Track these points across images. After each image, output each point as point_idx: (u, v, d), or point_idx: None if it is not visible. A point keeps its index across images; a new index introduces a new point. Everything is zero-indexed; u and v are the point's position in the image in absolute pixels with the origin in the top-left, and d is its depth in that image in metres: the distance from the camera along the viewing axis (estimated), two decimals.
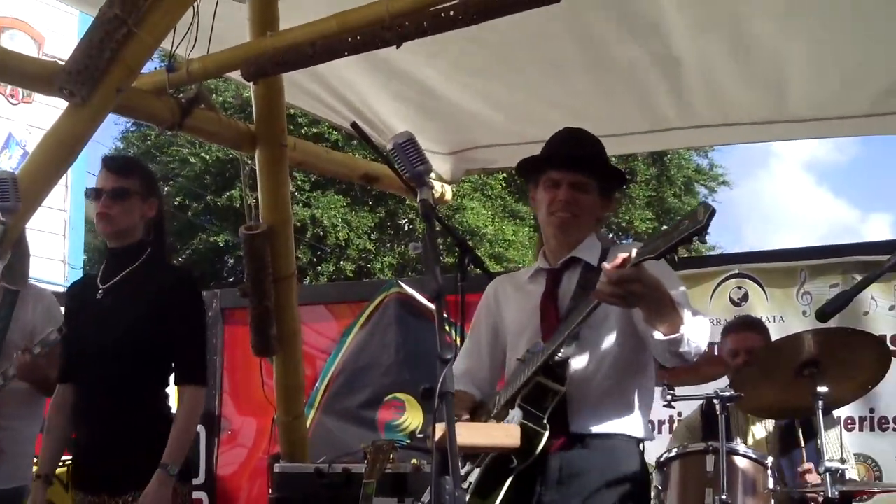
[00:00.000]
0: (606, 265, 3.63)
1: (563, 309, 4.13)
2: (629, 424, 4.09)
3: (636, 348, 4.09)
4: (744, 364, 5.83)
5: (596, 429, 4.02)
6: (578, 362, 4.01)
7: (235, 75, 6.50)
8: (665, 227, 3.56)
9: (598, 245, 4.26)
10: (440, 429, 2.99)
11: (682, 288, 4.00)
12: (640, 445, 4.19)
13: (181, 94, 6.40)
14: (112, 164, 4.82)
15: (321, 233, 23.87)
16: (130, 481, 4.46)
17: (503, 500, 3.82)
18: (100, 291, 4.71)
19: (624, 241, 26.67)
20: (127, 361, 4.55)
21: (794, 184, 60.70)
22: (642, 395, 4.18)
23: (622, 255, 3.62)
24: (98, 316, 4.68)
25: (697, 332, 3.82)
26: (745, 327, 6.28)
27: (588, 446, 3.99)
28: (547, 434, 3.83)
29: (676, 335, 3.75)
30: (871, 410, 6.99)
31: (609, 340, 4.04)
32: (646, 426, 4.21)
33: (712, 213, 3.35)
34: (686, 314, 3.78)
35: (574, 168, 4.15)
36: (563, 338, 3.86)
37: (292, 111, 9.19)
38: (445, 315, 3.20)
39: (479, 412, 4.21)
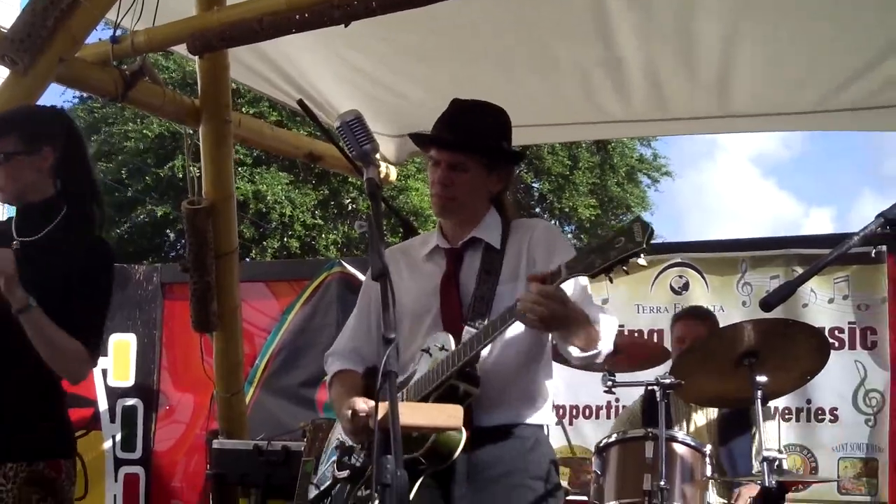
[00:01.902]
0: (533, 282, 3.51)
1: (464, 293, 3.96)
2: (534, 412, 3.97)
3: (537, 334, 3.91)
4: (683, 352, 5.86)
5: (502, 420, 3.90)
6: (486, 357, 3.84)
7: (181, 49, 6.43)
8: (595, 240, 3.47)
9: (499, 222, 4.08)
10: (382, 408, 2.96)
11: (585, 282, 3.78)
12: (546, 431, 4.08)
13: (125, 67, 6.32)
14: None
15: (264, 209, 23.76)
16: (10, 452, 4.07)
17: (413, 500, 3.64)
18: (15, 242, 4.43)
19: (554, 217, 26.43)
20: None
21: (739, 176, 61.18)
22: (544, 380, 4.04)
23: (546, 271, 3.53)
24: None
25: (609, 339, 3.77)
26: (694, 316, 6.34)
27: (495, 438, 3.86)
28: (464, 438, 3.68)
29: (594, 351, 3.71)
30: (808, 401, 7.07)
31: (514, 330, 3.78)
32: (549, 411, 4.09)
33: (651, 233, 3.28)
34: (601, 328, 3.72)
35: (452, 148, 3.99)
36: (480, 346, 3.68)
37: (236, 87, 9.11)
38: (389, 295, 3.14)
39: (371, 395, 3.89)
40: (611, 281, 3.43)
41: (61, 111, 4.76)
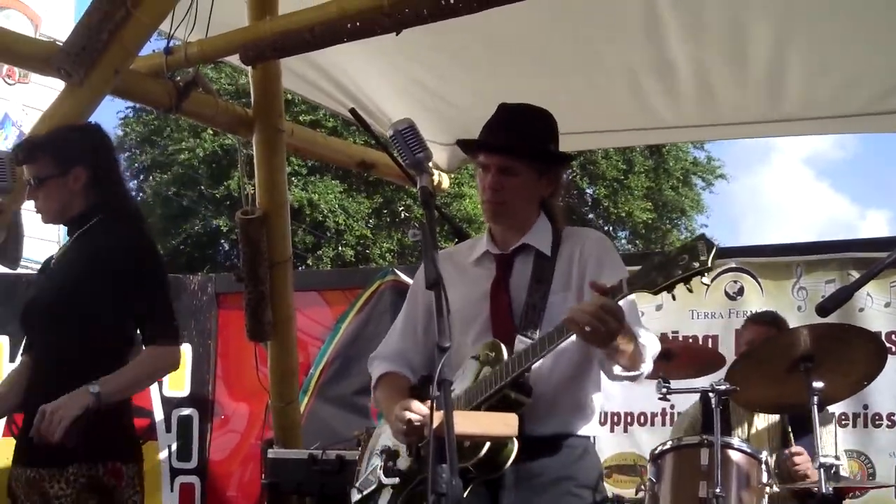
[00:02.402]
0: (595, 293, 3.48)
1: (515, 301, 3.94)
2: (583, 423, 3.98)
3: (588, 347, 3.84)
4: (739, 357, 5.83)
5: (552, 430, 3.89)
6: (539, 367, 3.81)
7: (233, 59, 6.48)
8: (658, 255, 3.39)
9: (549, 229, 4.06)
10: (438, 417, 2.96)
11: (634, 297, 3.67)
12: (594, 441, 4.09)
13: (178, 78, 6.37)
14: (20, 156, 4.59)
15: (319, 218, 23.84)
16: (67, 455, 4.13)
17: None
18: (52, 260, 4.56)
19: (613, 223, 26.34)
20: (63, 325, 4.29)
21: (793, 178, 60.78)
22: (593, 392, 4.02)
23: (606, 284, 3.50)
24: (41, 284, 4.54)
25: (651, 360, 3.77)
26: (759, 321, 6.30)
27: (544, 448, 3.84)
28: (516, 448, 3.69)
29: (636, 372, 3.72)
30: (865, 407, 6.99)
31: (567, 341, 3.72)
32: (597, 423, 4.10)
33: (716, 252, 3.27)
34: (645, 350, 3.71)
35: (501, 152, 3.97)
36: (536, 358, 3.67)
37: (290, 97, 9.17)
38: (443, 302, 3.14)
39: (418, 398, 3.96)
40: (673, 298, 3.41)
41: (91, 127, 4.88)
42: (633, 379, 3.77)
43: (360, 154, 8.26)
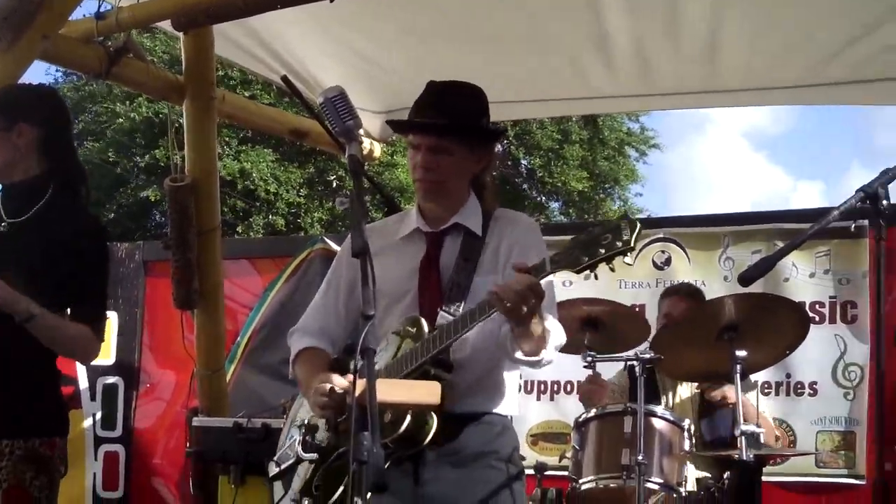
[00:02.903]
0: (515, 267, 3.49)
1: (444, 279, 3.93)
2: (502, 401, 3.99)
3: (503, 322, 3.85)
4: (663, 327, 5.89)
5: (472, 408, 3.89)
6: (460, 344, 3.82)
7: (166, 25, 6.42)
8: (581, 235, 3.40)
9: (479, 209, 4.06)
10: (360, 385, 2.97)
11: (552, 279, 3.68)
12: (511, 420, 4.08)
13: (109, 43, 6.30)
14: None
15: (251, 186, 23.69)
16: (7, 429, 4.12)
17: None
18: (4, 224, 4.44)
19: (554, 200, 26.32)
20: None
21: (729, 150, 61.01)
22: (512, 370, 4.04)
23: (529, 262, 3.51)
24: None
25: (553, 351, 3.78)
26: (678, 293, 6.36)
27: (464, 425, 3.86)
28: (436, 424, 3.69)
29: (537, 358, 3.73)
30: (788, 376, 7.10)
31: (489, 320, 3.72)
32: (515, 402, 4.09)
33: (639, 232, 3.29)
34: (550, 338, 3.72)
35: (431, 131, 3.93)
36: (460, 334, 3.67)
37: (226, 71, 9.09)
38: (369, 271, 3.14)
39: (339, 373, 3.93)
40: (595, 277, 3.43)
41: (49, 90, 4.80)
42: (532, 365, 3.78)
43: (293, 122, 8.23)
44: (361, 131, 3.56)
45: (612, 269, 3.40)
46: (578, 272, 3.41)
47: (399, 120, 4.15)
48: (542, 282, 3.53)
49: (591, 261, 3.34)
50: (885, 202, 3.30)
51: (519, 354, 3.72)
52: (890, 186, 3.37)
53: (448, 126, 3.94)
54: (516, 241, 3.97)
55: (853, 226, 6.80)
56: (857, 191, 3.33)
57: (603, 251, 3.32)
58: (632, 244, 3.28)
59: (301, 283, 8.33)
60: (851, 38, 6.18)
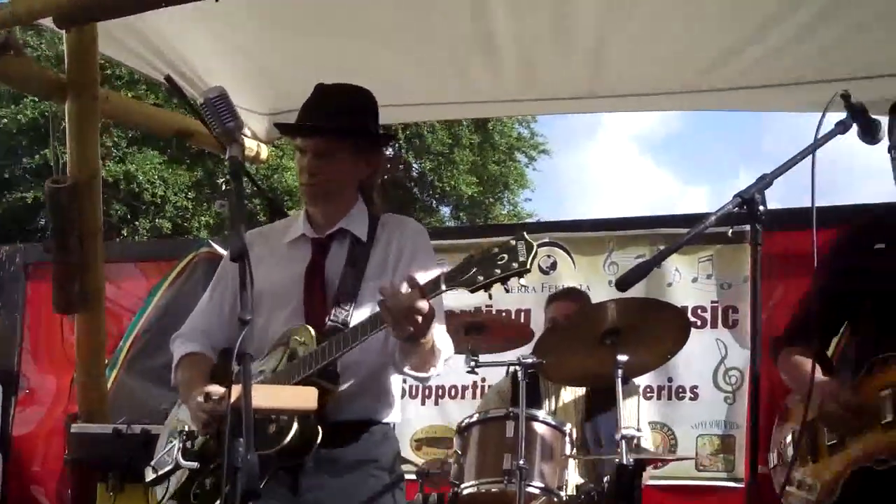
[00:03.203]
0: (408, 283, 3.44)
1: (329, 286, 3.91)
2: (385, 410, 3.99)
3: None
4: (547, 331, 5.92)
5: (355, 416, 3.88)
6: (348, 354, 3.74)
7: (47, 22, 6.29)
8: (480, 252, 3.38)
9: (366, 213, 4.05)
10: (236, 391, 2.93)
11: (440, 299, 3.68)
12: (394, 428, 4.09)
13: None
14: None
15: (136, 189, 23.38)
16: None
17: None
18: None
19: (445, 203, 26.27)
20: None
21: (619, 154, 61.62)
22: (395, 377, 4.02)
23: (423, 279, 3.48)
24: None
25: (440, 366, 3.81)
26: (565, 297, 6.40)
27: (346, 433, 3.84)
28: (321, 435, 3.68)
29: (425, 374, 3.77)
30: (670, 380, 7.18)
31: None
32: (398, 410, 4.09)
33: (535, 254, 3.29)
34: (437, 355, 3.74)
35: (318, 135, 3.92)
36: (347, 349, 3.63)
37: (112, 68, 8.96)
38: (247, 275, 3.10)
39: (220, 379, 3.91)
40: (490, 297, 3.43)
41: None
42: (420, 380, 3.84)
43: (179, 123, 8.12)
44: (248, 133, 3.54)
45: (507, 290, 3.40)
46: (473, 291, 3.39)
47: (285, 123, 4.14)
48: (436, 303, 3.55)
49: (486, 281, 3.33)
50: (762, 207, 3.33)
51: (407, 369, 3.75)
52: (767, 192, 3.41)
53: (335, 130, 3.92)
54: (405, 246, 3.97)
55: (730, 231, 6.91)
56: (735, 196, 3.35)
57: (499, 272, 3.31)
58: (528, 266, 3.27)
59: (185, 286, 8.24)
60: (737, 45, 6.24)
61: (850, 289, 3.99)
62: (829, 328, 4.18)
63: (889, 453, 3.65)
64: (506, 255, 3.31)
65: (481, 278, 3.34)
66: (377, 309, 3.54)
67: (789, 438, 4.09)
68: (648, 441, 6.13)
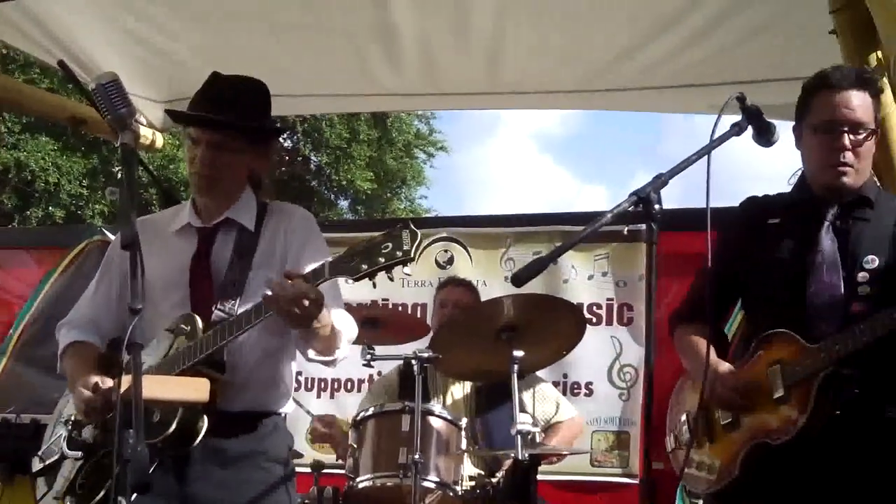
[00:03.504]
0: (287, 275, 3.47)
1: (216, 275, 3.89)
2: (276, 400, 3.98)
3: (281, 323, 3.81)
4: (442, 326, 5.92)
5: (245, 407, 3.86)
6: (234, 344, 3.77)
7: None
8: (365, 241, 3.38)
9: (254, 203, 4.04)
10: (126, 381, 2.87)
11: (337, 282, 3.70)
12: (285, 418, 4.09)
13: None
14: None
15: (29, 176, 22.97)
16: None
17: None
18: None
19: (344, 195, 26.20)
20: None
21: (518, 152, 61.99)
22: (287, 368, 4.04)
23: (307, 269, 3.52)
24: None
25: (347, 346, 3.81)
26: (455, 283, 6.43)
27: (235, 424, 3.82)
28: (206, 424, 3.66)
29: (330, 357, 3.76)
30: (565, 376, 7.20)
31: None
32: (290, 399, 4.11)
33: (419, 243, 3.31)
34: (341, 336, 3.74)
35: (212, 127, 3.89)
36: (232, 337, 3.63)
37: (4, 52, 8.77)
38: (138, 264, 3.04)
39: (107, 368, 3.87)
40: (374, 286, 3.42)
41: None
42: (327, 363, 3.80)
43: (72, 109, 7.96)
44: (143, 121, 3.48)
45: (391, 279, 3.40)
46: (357, 280, 3.40)
47: (179, 112, 4.07)
48: (332, 284, 3.55)
49: (369, 269, 3.34)
50: (657, 206, 3.35)
51: (312, 354, 3.73)
52: (663, 192, 3.43)
53: (230, 123, 3.89)
54: (293, 234, 3.96)
55: (626, 230, 6.98)
56: (631, 194, 3.37)
57: (382, 260, 3.33)
58: (411, 255, 3.29)
59: (78, 274, 8.08)
60: (633, 46, 6.29)
61: (743, 262, 4.05)
62: (724, 301, 4.22)
63: (782, 428, 3.72)
64: (390, 244, 3.33)
65: (365, 266, 3.36)
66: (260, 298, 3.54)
67: (684, 419, 4.15)
68: (572, 410, 6.25)
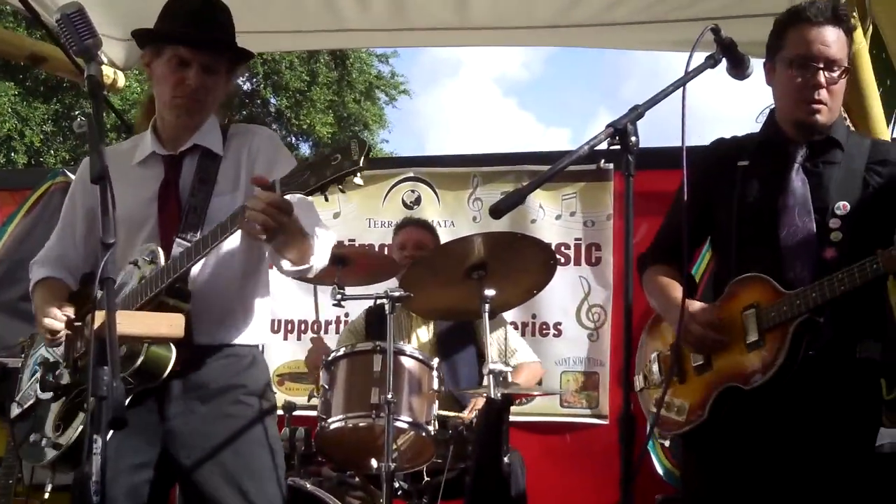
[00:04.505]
0: (258, 190, 3.38)
1: (183, 202, 3.82)
2: (249, 331, 3.93)
3: (253, 249, 3.86)
4: (411, 258, 5.89)
5: (217, 339, 3.83)
6: (200, 273, 3.75)
7: None
8: (313, 156, 3.34)
9: (218, 127, 3.96)
10: (100, 317, 2.82)
11: (309, 198, 3.60)
12: (262, 349, 4.06)
13: None
14: None
15: None
16: None
17: None
18: None
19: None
20: None
21: (481, 95, 61.95)
22: (260, 297, 3.99)
23: (260, 176, 3.44)
24: None
25: (324, 254, 3.73)
26: (413, 224, 6.41)
27: (210, 357, 3.80)
28: (174, 356, 3.63)
29: (305, 266, 3.67)
30: (534, 316, 7.21)
31: (230, 244, 3.74)
32: (265, 330, 4.09)
33: (368, 151, 3.23)
34: (316, 243, 3.66)
35: (207, 48, 3.81)
36: (194, 261, 3.57)
37: None
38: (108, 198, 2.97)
39: (79, 305, 3.86)
40: (326, 199, 3.36)
41: None
42: (304, 273, 3.71)
43: (30, 46, 7.82)
44: (105, 59, 3.39)
45: (343, 191, 3.32)
46: (308, 194, 3.33)
47: (176, 32, 3.89)
48: (302, 201, 3.48)
49: (318, 182, 3.26)
50: (633, 139, 3.32)
51: (287, 266, 3.65)
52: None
53: (227, 44, 3.87)
54: (258, 153, 3.89)
55: (599, 165, 6.96)
56: (607, 126, 3.33)
57: (331, 172, 3.24)
58: (360, 164, 3.19)
59: (41, 216, 8.00)
60: None
61: (713, 202, 4.04)
62: (692, 243, 4.19)
63: (756, 372, 3.72)
64: (339, 156, 3.24)
65: (314, 180, 3.28)
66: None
67: (654, 358, 4.15)
68: (531, 354, 6.27)
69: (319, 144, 28.51)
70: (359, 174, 3.23)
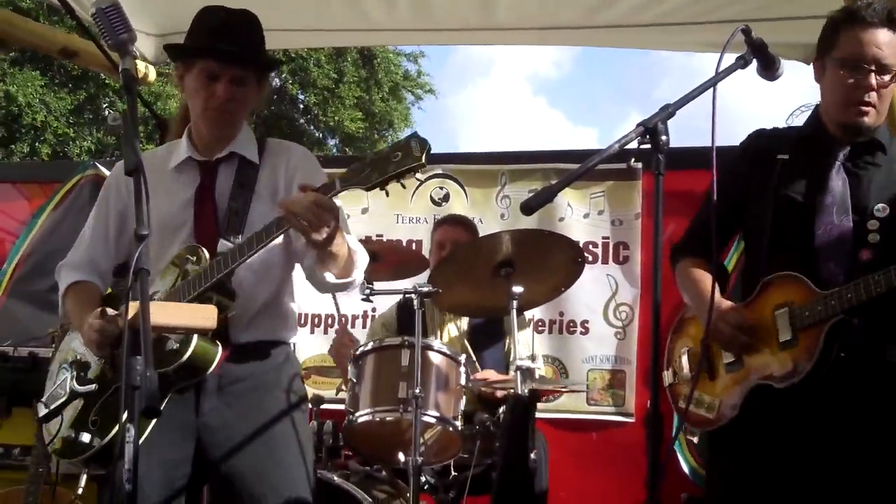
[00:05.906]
0: (301, 187, 3.49)
1: (220, 207, 3.90)
2: (283, 329, 4.03)
3: (288, 256, 3.97)
4: (441, 261, 5.89)
5: (256, 337, 3.92)
6: (244, 272, 3.80)
7: None
8: (374, 153, 3.39)
9: (253, 137, 4.06)
10: (133, 307, 2.84)
11: (340, 204, 3.63)
12: (293, 348, 4.15)
13: None
14: None
15: (17, 111, 22.77)
16: None
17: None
18: None
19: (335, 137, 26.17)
20: None
21: (512, 94, 61.95)
22: (292, 301, 4.08)
23: (308, 184, 3.51)
24: None
25: (362, 270, 3.82)
26: (454, 222, 6.38)
27: (248, 355, 3.88)
28: (220, 351, 3.71)
29: (349, 279, 3.76)
30: (561, 314, 7.22)
31: (270, 250, 3.76)
32: (296, 330, 4.17)
33: (428, 149, 3.31)
34: (357, 258, 3.75)
35: (235, 62, 3.88)
36: (244, 258, 3.62)
37: None
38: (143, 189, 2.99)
39: (112, 305, 3.88)
40: (387, 194, 3.42)
41: None
42: (345, 287, 3.81)
43: (63, 41, 7.83)
44: (136, 53, 3.42)
45: (404, 186, 3.43)
46: (369, 189, 3.41)
47: (204, 46, 3.95)
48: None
49: (381, 177, 3.35)
50: (664, 137, 3.33)
51: (330, 278, 3.71)
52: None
53: (253, 58, 3.93)
54: (296, 167, 3.97)
55: (628, 164, 6.95)
56: (638, 125, 3.34)
57: (393, 168, 3.32)
58: (422, 160, 3.30)
59: (72, 209, 8.06)
60: None
61: (748, 195, 4.03)
62: (725, 233, 4.19)
63: (789, 371, 3.72)
64: (400, 153, 3.33)
65: (376, 176, 3.36)
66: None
67: (684, 352, 4.16)
68: (543, 372, 6.17)
69: (346, 141, 28.58)
70: (419, 171, 3.34)
